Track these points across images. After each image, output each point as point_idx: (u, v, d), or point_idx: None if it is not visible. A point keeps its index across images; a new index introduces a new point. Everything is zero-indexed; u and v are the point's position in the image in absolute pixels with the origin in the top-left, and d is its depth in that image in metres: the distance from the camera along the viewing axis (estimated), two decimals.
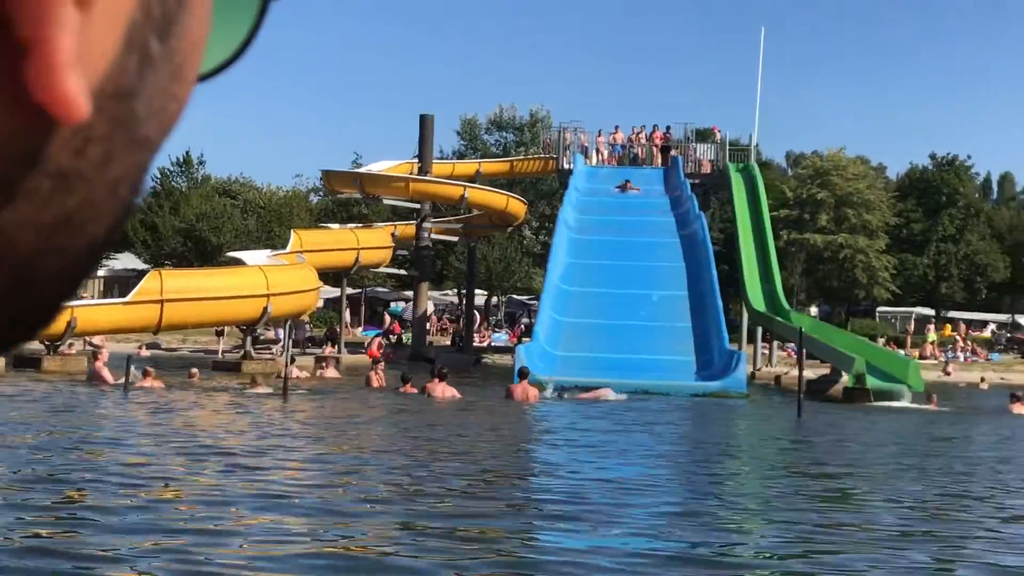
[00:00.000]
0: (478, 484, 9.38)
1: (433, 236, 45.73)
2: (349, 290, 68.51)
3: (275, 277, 29.72)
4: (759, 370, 38.96)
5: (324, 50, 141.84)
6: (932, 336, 58.06)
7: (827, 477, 11.08)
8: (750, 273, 39.55)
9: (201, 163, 71.45)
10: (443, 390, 20.63)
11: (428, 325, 57.83)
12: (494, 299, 65.97)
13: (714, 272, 32.39)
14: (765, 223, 42.08)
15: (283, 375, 20.42)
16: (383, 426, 15.75)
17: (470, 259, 50.93)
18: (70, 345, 39.46)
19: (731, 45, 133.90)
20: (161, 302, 27.12)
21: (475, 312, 61.83)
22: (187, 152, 71.20)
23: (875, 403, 24.85)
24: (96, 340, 43.91)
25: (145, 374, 22.30)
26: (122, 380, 19.71)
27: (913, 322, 72.19)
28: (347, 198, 52.66)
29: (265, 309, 29.12)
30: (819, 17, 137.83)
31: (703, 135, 51.70)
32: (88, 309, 27.25)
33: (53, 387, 19.94)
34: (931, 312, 70.72)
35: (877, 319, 71.50)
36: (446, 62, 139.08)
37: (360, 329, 61.35)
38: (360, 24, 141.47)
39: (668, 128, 48.66)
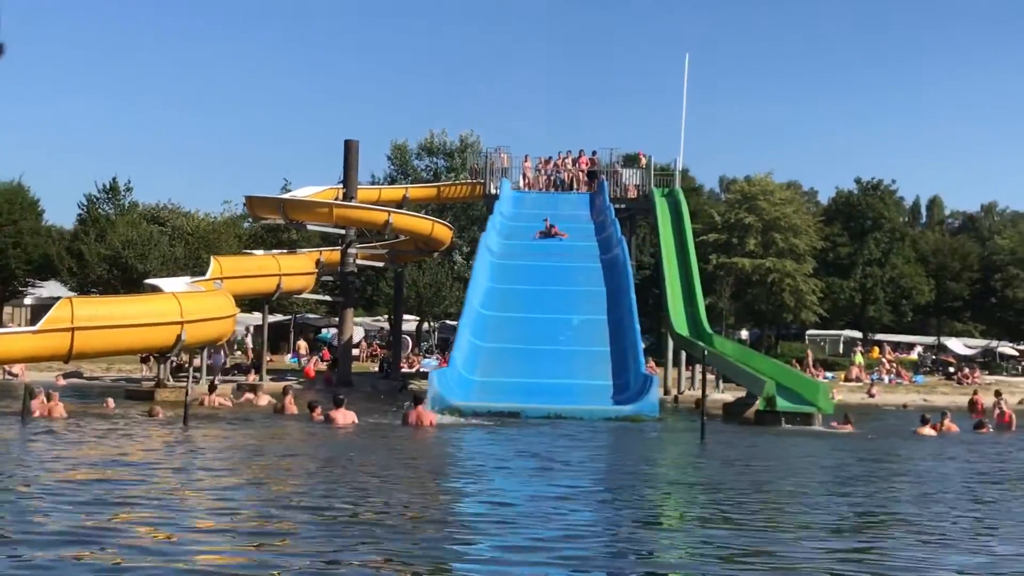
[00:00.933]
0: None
1: (359, 262, 45.51)
2: (280, 317, 68.35)
3: (189, 304, 29.34)
4: (682, 393, 39.06)
5: (255, 75, 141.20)
6: (858, 358, 58.56)
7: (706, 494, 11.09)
8: (673, 296, 39.76)
9: (128, 189, 70.66)
10: (343, 416, 20.60)
11: (358, 351, 57.65)
12: (425, 325, 65.71)
13: (632, 296, 32.51)
14: (689, 247, 42.35)
15: (185, 402, 20.14)
16: (270, 454, 15.58)
17: (397, 284, 50.79)
18: None
19: (659, 71, 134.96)
20: (72, 330, 26.66)
21: (407, 337, 61.64)
22: (114, 178, 70.47)
23: (785, 426, 25.02)
24: (15, 369, 43.30)
25: (49, 397, 22.01)
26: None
27: (842, 344, 73.05)
28: (276, 224, 52.22)
29: (179, 336, 28.73)
30: (750, 42, 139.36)
31: (631, 160, 51.92)
32: None
33: None
34: (859, 335, 71.50)
35: (807, 342, 72.19)
36: (378, 87, 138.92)
37: (289, 356, 60.78)
38: (292, 49, 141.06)
39: (594, 153, 48.82)
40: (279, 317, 67.97)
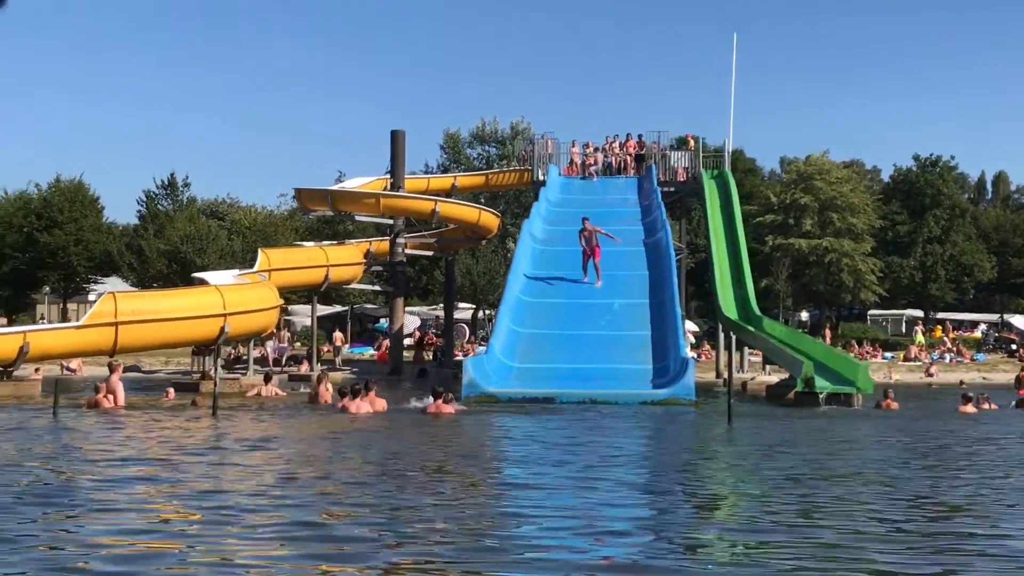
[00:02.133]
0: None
1: (409, 251, 45.72)
2: (337, 307, 68.88)
3: (232, 296, 29.68)
4: (721, 376, 38.88)
5: (310, 67, 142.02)
6: (919, 338, 57.90)
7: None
8: (722, 278, 39.51)
9: (186, 185, 71.59)
10: (358, 405, 20.76)
11: (411, 339, 57.92)
12: (480, 312, 65.84)
13: (674, 280, 32.35)
14: (738, 228, 41.99)
15: (214, 394, 20.42)
16: (296, 443, 15.73)
17: (448, 273, 50.92)
18: (37, 370, 39.65)
19: (709, 52, 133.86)
20: (116, 324, 27.11)
21: (463, 326, 61.79)
22: (172, 174, 71.42)
23: (825, 407, 24.81)
24: (73, 364, 44.04)
25: (97, 390, 22.43)
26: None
27: (904, 324, 72.15)
28: (330, 216, 52.59)
29: (222, 329, 29.08)
30: (806, 19, 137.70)
31: (681, 143, 51.62)
32: (41, 334, 27.27)
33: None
34: (920, 314, 70.61)
35: (868, 322, 71.45)
36: (430, 76, 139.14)
37: (347, 346, 61.24)
38: (345, 40, 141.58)
39: (640, 136, 48.57)
40: (336, 308, 68.60)
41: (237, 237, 66.77)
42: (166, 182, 70.90)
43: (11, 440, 14.83)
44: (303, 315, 69.46)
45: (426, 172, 66.44)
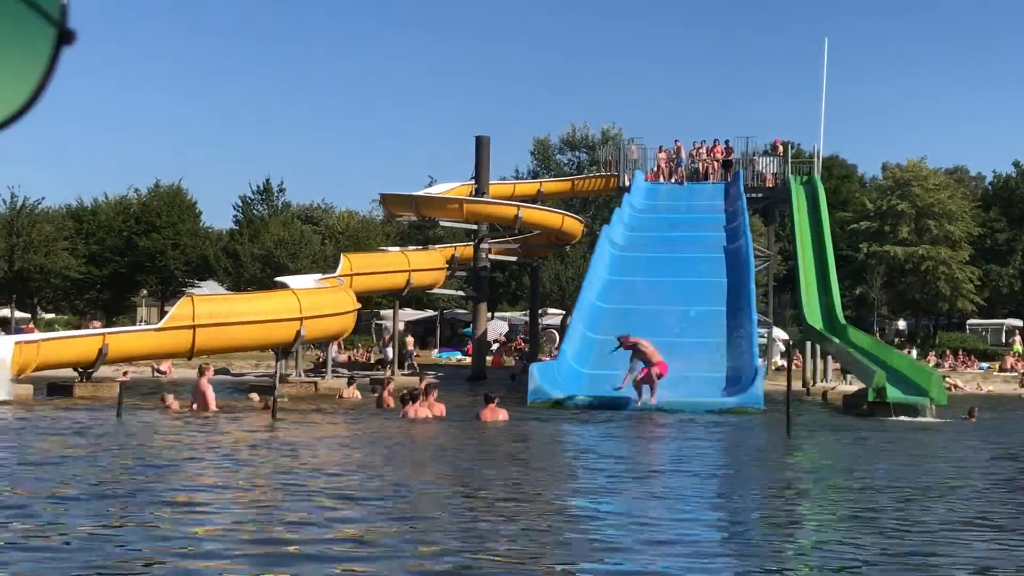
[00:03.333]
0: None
1: (493, 257, 45.87)
2: (430, 312, 69.39)
3: (308, 300, 30.01)
4: (813, 386, 38.31)
5: (406, 73, 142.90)
6: (1017, 348, 56.54)
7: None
8: (807, 286, 39.03)
9: (281, 190, 72.67)
10: (416, 410, 20.83)
11: (496, 346, 58.12)
12: (570, 318, 65.64)
13: (751, 287, 32.04)
14: (825, 235, 41.43)
15: (273, 396, 20.67)
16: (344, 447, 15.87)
17: (533, 279, 51.00)
18: (125, 374, 40.50)
19: (804, 57, 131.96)
20: (193, 327, 27.59)
21: (553, 332, 61.79)
22: (267, 180, 72.54)
23: (899, 417, 24.32)
24: (163, 366, 44.90)
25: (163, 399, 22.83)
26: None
27: (1004, 334, 70.43)
28: (419, 222, 53.03)
29: (298, 332, 29.43)
30: (902, 24, 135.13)
31: (773, 149, 51.07)
32: (120, 336, 27.87)
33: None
34: (1021, 323, 68.90)
35: (967, 331, 69.89)
36: (519, 81, 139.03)
37: (436, 351, 61.73)
38: (440, 45, 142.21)
39: (727, 142, 48.12)
40: (428, 313, 69.11)
41: (330, 242, 67.67)
42: (262, 187, 72.06)
43: (64, 438, 15.18)
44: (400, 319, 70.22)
45: (516, 178, 66.66)
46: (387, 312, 71.48)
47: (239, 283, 64.05)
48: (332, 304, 30.77)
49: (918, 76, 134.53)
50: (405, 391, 22.25)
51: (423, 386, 22.29)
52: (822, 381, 38.32)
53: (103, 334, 27.64)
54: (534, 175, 68.28)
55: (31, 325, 52.33)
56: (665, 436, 18.93)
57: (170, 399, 22.66)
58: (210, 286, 69.80)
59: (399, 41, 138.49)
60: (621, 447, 16.57)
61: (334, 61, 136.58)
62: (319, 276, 36.42)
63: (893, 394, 24.99)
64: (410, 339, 55.67)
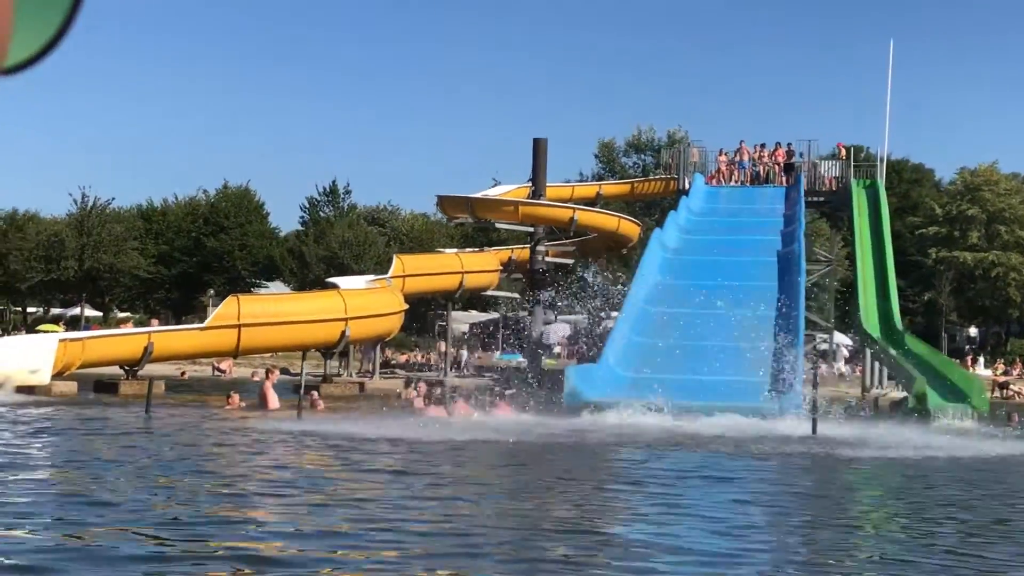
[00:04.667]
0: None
1: (550, 259, 45.77)
2: (492, 315, 69.48)
3: (354, 301, 30.18)
4: (868, 392, 37.79)
5: (473, 73, 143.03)
6: None
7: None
8: (865, 292, 38.57)
9: (347, 192, 73.21)
10: (435, 411, 20.91)
11: (559, 349, 58.00)
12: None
13: (801, 291, 31.62)
14: (885, 240, 40.88)
15: (299, 397, 20.82)
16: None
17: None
18: (183, 373, 41.04)
19: (874, 60, 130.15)
20: (239, 327, 27.87)
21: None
22: (333, 181, 73.11)
23: (942, 422, 23.93)
24: (223, 365, 45.42)
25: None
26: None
27: None
28: (477, 223, 53.14)
29: (343, 332, 29.60)
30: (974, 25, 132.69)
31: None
32: (165, 335, 28.23)
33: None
34: None
35: None
36: (586, 83, 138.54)
37: (497, 353, 61.73)
38: (507, 47, 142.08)
39: (790, 145, 47.60)
40: (489, 316, 69.21)
41: (395, 243, 68.05)
42: (328, 189, 72.66)
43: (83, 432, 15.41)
44: (460, 322, 70.43)
45: (580, 181, 66.48)
46: (455, 314, 71.91)
47: (304, 283, 64.58)
48: (378, 305, 30.93)
49: (996, 79, 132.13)
50: (434, 394, 22.31)
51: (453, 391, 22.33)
52: (876, 387, 37.79)
53: (148, 332, 28.03)
54: (598, 178, 68.04)
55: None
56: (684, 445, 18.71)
57: (235, 398, 23.34)
58: (276, 286, 70.53)
59: (467, 42, 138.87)
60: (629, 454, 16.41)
61: (405, 64, 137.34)
62: (371, 277, 36.65)
63: (934, 401, 24.61)
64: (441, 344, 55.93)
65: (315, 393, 25.25)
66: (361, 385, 31.96)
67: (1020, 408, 35.41)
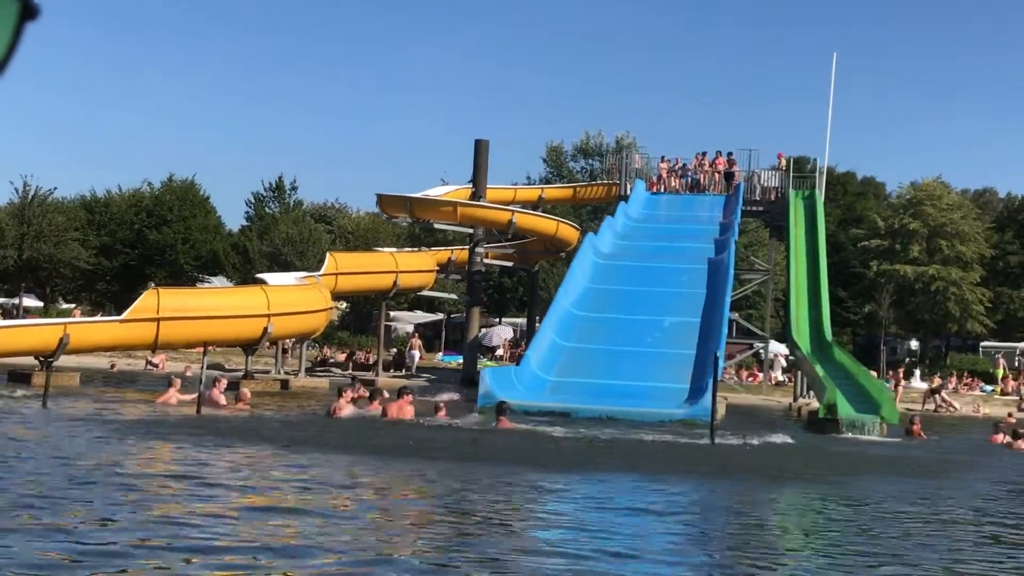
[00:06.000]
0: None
1: (489, 261, 45.76)
2: (438, 316, 69.41)
3: (277, 297, 30.00)
4: (796, 401, 38.01)
5: (425, 74, 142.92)
6: (1000, 371, 55.93)
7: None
8: (797, 301, 38.73)
9: (294, 188, 72.82)
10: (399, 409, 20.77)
11: (501, 351, 58.04)
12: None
13: (727, 299, 31.75)
14: (820, 251, 41.12)
15: (199, 393, 20.63)
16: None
17: (532, 284, 50.86)
18: (112, 366, 40.61)
19: (814, 72, 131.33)
20: (158, 320, 27.60)
21: None
22: (279, 177, 72.73)
23: (847, 434, 24.05)
24: (156, 359, 44.96)
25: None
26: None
27: (1017, 357, 69.57)
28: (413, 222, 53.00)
29: (265, 329, 29.39)
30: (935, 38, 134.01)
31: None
32: (83, 326, 27.91)
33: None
34: None
35: (980, 354, 69.17)
36: (536, 86, 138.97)
37: (440, 354, 61.66)
38: (460, 48, 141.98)
39: (730, 154, 47.81)
40: (435, 316, 69.10)
41: (340, 241, 67.77)
42: (274, 185, 72.26)
43: None
44: (404, 321, 70.23)
45: (529, 183, 66.47)
46: (397, 313, 71.70)
47: (247, 279, 64.18)
48: (303, 302, 30.76)
49: (953, 93, 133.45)
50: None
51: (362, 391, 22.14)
52: (804, 396, 38.00)
53: (64, 323, 27.71)
54: (545, 182, 68.07)
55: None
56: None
57: (172, 392, 23.09)
58: (220, 281, 70.13)
59: (419, 41, 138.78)
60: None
61: (359, 63, 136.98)
62: (301, 274, 36.46)
63: (844, 411, 24.71)
64: (416, 341, 55.60)
65: (246, 390, 25.01)
66: (285, 383, 31.65)
67: (940, 421, 35.72)
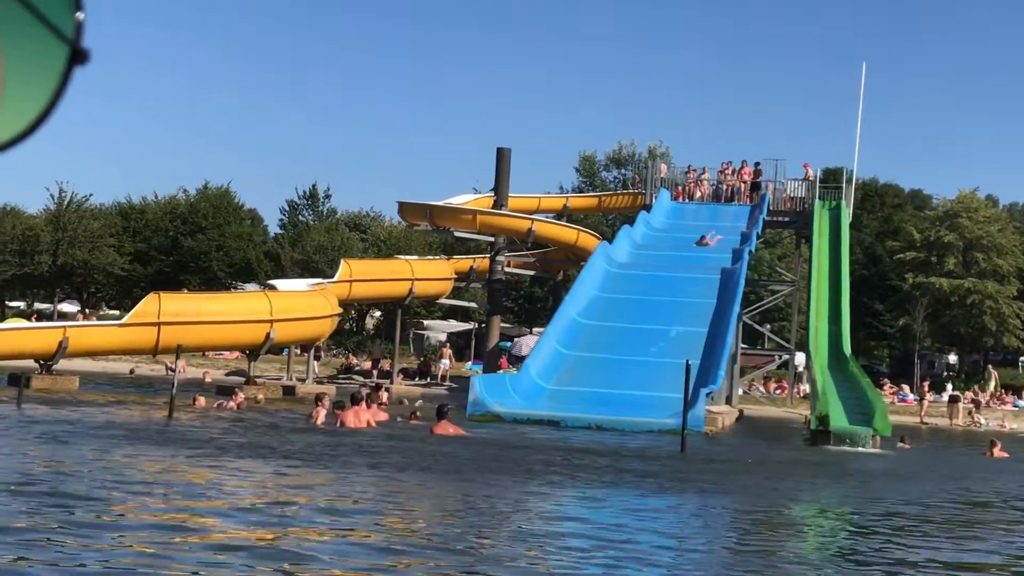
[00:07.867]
0: None
1: (510, 270, 45.66)
2: (470, 325, 69.33)
3: (280, 303, 29.98)
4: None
5: (452, 87, 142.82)
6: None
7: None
8: (817, 313, 38.18)
9: (327, 196, 73.03)
10: (356, 417, 20.61)
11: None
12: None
13: (735, 309, 31.44)
14: (843, 263, 40.54)
15: (171, 396, 20.61)
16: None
17: (555, 294, 50.66)
18: (131, 371, 40.91)
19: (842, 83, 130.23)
20: (158, 325, 27.65)
21: None
22: (314, 185, 72.98)
23: (839, 447, 23.65)
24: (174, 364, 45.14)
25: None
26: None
27: None
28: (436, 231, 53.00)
29: (267, 335, 29.38)
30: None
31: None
32: (82, 330, 28.03)
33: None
34: None
35: (1021, 369, 68.11)
36: (567, 97, 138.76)
37: (469, 363, 61.54)
38: (495, 57, 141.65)
39: (757, 164, 47.35)
40: (467, 325, 69.01)
41: (373, 250, 67.85)
42: (308, 193, 72.52)
43: None
44: (438, 331, 70.22)
45: (560, 193, 66.30)
46: (430, 323, 71.72)
47: None
48: (307, 308, 30.71)
49: (993, 107, 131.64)
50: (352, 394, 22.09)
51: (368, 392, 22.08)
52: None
53: (64, 327, 27.83)
54: (578, 191, 67.86)
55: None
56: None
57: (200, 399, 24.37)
58: (252, 288, 70.47)
59: (459, 52, 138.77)
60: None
61: (401, 75, 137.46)
62: (313, 281, 36.48)
63: (836, 423, 24.30)
64: (447, 351, 55.56)
65: (240, 394, 25.18)
66: (290, 388, 31.60)
67: (942, 434, 35.10)
